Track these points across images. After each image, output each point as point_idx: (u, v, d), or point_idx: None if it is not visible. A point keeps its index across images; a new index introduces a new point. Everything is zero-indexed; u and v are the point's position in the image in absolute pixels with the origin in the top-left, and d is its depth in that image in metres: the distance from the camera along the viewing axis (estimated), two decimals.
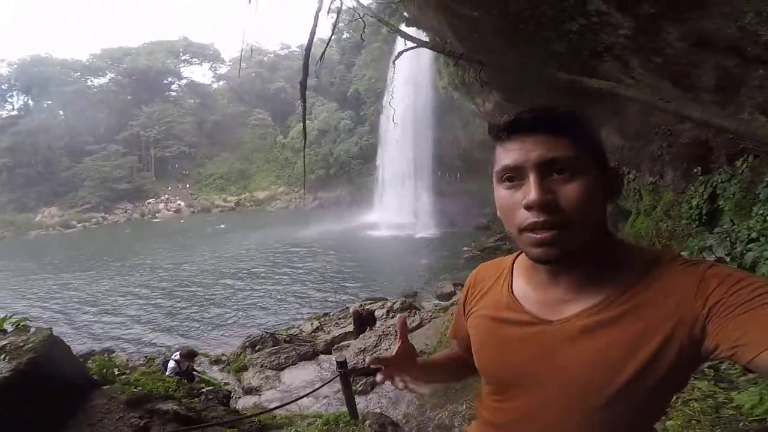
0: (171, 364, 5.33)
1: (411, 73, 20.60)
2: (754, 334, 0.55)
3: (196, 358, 5.50)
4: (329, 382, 4.52)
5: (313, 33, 5.04)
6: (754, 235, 4.03)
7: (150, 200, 40.76)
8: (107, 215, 37.31)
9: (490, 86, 9.05)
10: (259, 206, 40.45)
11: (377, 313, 9.47)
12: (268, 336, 7.85)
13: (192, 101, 47.30)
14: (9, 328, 2.82)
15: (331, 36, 5.34)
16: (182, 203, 40.92)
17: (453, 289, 11.72)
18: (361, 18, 5.38)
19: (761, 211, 4.39)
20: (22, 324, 2.85)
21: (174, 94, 48.57)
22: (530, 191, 0.65)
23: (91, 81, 45.91)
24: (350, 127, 37.92)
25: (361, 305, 10.07)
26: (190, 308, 13.46)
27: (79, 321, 12.97)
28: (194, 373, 5.71)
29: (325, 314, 9.97)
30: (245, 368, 6.07)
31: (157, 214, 38.92)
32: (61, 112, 44.25)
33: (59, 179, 38.94)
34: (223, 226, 30.61)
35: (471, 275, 0.98)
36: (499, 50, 7.14)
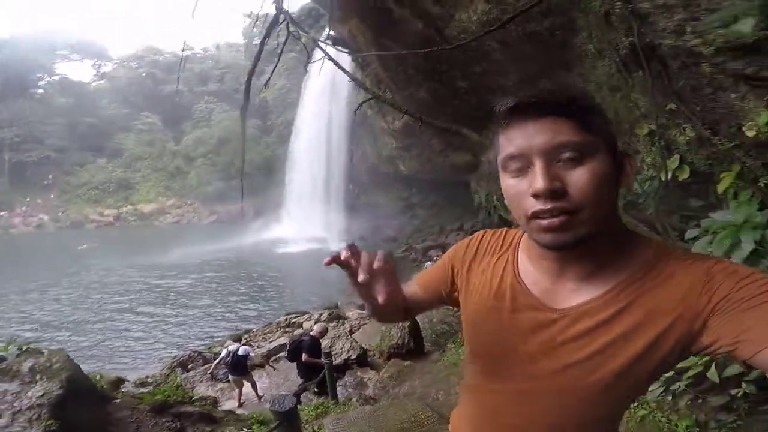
0: (225, 351, 6.09)
1: (326, 87, 20.92)
2: (757, 330, 0.55)
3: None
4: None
5: (257, 58, 5.11)
6: None
7: (2, 213, 34.19)
8: None
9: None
10: (144, 221, 36.16)
11: (305, 325, 9.73)
12: (196, 355, 7.58)
13: (64, 101, 41.27)
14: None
15: (277, 62, 5.47)
16: (45, 217, 34.96)
17: None
18: (298, 39, 5.55)
19: None
20: (25, 347, 2.84)
21: (41, 91, 42.19)
22: (536, 179, 0.63)
23: None
24: (256, 136, 36.62)
25: (287, 320, 10.17)
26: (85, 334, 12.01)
27: None
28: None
29: (248, 331, 9.76)
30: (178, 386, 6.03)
31: (10, 230, 32.71)
32: None
33: None
34: (85, 246, 26.18)
35: (477, 237, 0.93)
36: (415, 81, 8.15)
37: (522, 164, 0.66)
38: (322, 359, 5.49)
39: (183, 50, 46.09)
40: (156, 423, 2.78)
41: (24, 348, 2.82)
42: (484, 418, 0.84)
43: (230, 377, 6.31)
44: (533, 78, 5.83)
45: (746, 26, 1.51)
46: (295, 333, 9.09)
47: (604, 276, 0.70)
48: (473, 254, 0.90)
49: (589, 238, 0.65)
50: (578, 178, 0.63)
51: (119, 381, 6.04)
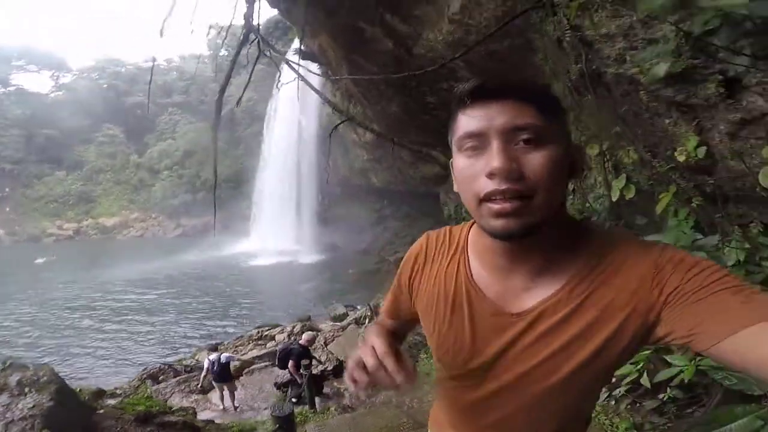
0: (207, 362, 6.45)
1: (295, 98, 20.84)
2: (710, 323, 0.56)
3: None
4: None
5: (228, 77, 5.06)
6: None
7: None
8: None
9: (377, 124, 10.20)
10: (106, 234, 34.92)
11: (278, 338, 9.77)
12: (167, 367, 7.61)
13: (20, 112, 39.57)
14: None
15: (248, 81, 5.47)
16: (1, 231, 33.31)
17: (345, 311, 12.18)
18: (269, 56, 5.54)
19: None
20: (9, 362, 2.98)
21: None
22: (493, 158, 0.62)
23: None
24: (223, 149, 35.95)
25: (259, 332, 10.11)
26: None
27: None
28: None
29: (219, 344, 9.61)
30: (149, 396, 6.05)
31: None
32: None
33: None
34: (43, 260, 25.45)
35: (417, 247, 0.90)
36: (387, 96, 8.37)
37: (479, 143, 0.65)
38: (302, 371, 5.69)
39: (152, 62, 44.99)
40: None
41: (7, 363, 2.91)
42: (461, 419, 0.86)
43: (215, 384, 6.59)
44: None
45: (660, 70, 1.73)
46: (268, 344, 9.11)
47: (554, 271, 0.70)
48: (423, 262, 0.87)
49: (539, 227, 0.64)
50: (535, 161, 0.63)
51: (100, 392, 6.02)
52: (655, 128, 2.43)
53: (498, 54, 5.13)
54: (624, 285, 0.65)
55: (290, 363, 5.89)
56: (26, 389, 2.61)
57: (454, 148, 0.70)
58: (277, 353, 6.41)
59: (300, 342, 6.25)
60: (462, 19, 4.79)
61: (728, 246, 1.82)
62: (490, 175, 0.62)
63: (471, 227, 0.83)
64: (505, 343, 0.73)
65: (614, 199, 2.88)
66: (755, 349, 0.52)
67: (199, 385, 7.08)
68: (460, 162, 0.68)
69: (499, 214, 0.63)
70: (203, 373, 6.75)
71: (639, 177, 2.77)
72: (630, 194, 2.80)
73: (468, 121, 0.66)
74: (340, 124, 4.76)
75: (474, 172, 0.65)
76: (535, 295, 0.71)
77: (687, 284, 0.60)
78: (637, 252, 0.67)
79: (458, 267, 0.80)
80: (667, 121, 2.31)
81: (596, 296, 0.66)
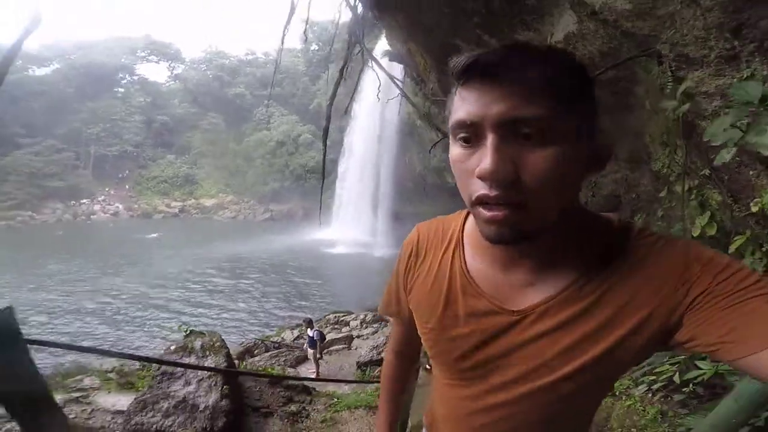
0: (315, 333, 7.54)
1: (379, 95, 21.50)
2: (743, 333, 0.49)
3: None
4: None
5: (337, 83, 5.45)
6: None
7: (84, 200, 37.84)
8: (35, 214, 34.08)
9: None
10: (205, 214, 38.84)
11: (351, 324, 10.73)
12: (260, 342, 8.74)
13: (142, 99, 45.06)
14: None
15: (353, 95, 5.88)
16: (121, 206, 38.49)
17: None
18: (371, 66, 5.82)
19: None
20: (190, 330, 3.72)
21: (122, 90, 46.13)
22: (485, 157, 0.51)
23: (33, 71, 41.80)
24: (310, 141, 38.09)
25: (336, 317, 11.04)
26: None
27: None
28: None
29: (299, 325, 10.63)
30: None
31: (91, 216, 36.32)
32: None
33: None
34: (155, 235, 28.90)
35: (409, 241, 0.82)
36: None
37: (473, 134, 0.54)
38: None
39: (252, 55, 48.54)
40: (273, 393, 3.57)
41: (188, 330, 3.67)
42: (457, 423, 0.77)
43: (312, 353, 7.60)
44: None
45: (727, 155, 1.82)
46: (343, 329, 9.99)
47: (562, 267, 0.62)
48: (415, 258, 0.79)
49: (537, 233, 0.56)
50: (536, 163, 0.51)
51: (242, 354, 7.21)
52: (741, 176, 2.56)
53: (598, 81, 5.11)
54: (645, 283, 0.57)
55: None
56: (207, 352, 3.30)
57: (450, 133, 0.58)
58: None
59: None
60: (565, 47, 4.91)
61: None
62: (481, 177, 0.53)
63: (467, 216, 0.76)
64: (504, 343, 0.66)
65: (695, 235, 2.98)
66: None
67: (319, 355, 7.90)
68: (453, 152, 0.58)
69: (490, 221, 0.55)
70: (319, 345, 7.60)
71: (723, 217, 2.87)
72: (711, 231, 2.90)
73: (461, 105, 0.54)
74: (438, 141, 5.10)
75: (466, 169, 0.55)
76: (539, 292, 0.63)
77: (717, 287, 0.52)
78: (659, 248, 0.58)
79: (452, 260, 0.73)
80: (751, 172, 2.42)
81: (612, 294, 0.58)
